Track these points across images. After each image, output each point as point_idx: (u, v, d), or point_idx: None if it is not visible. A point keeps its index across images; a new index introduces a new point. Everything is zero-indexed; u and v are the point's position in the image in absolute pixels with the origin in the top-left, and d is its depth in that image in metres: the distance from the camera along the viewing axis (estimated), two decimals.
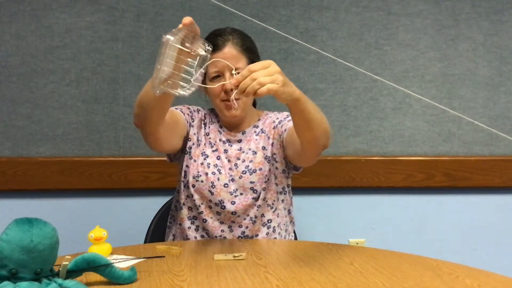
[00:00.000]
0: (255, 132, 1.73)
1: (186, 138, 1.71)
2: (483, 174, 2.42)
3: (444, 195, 2.45)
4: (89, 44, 2.21)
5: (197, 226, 1.69)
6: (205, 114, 1.78)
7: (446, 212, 2.46)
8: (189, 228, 1.69)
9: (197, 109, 1.78)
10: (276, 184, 1.71)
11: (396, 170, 2.38)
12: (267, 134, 1.72)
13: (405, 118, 2.40)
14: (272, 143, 1.70)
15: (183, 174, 1.71)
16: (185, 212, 1.70)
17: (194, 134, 1.72)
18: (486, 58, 2.41)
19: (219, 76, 1.61)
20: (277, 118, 1.73)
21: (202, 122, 1.75)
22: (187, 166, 1.70)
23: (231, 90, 1.59)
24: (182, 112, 1.71)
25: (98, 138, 2.24)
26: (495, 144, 2.45)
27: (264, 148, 1.70)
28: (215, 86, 1.59)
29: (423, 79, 2.39)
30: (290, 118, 1.67)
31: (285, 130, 1.65)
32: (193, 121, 1.73)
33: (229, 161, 1.69)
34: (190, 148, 1.71)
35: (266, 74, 1.24)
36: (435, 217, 2.46)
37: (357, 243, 2.40)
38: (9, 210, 2.18)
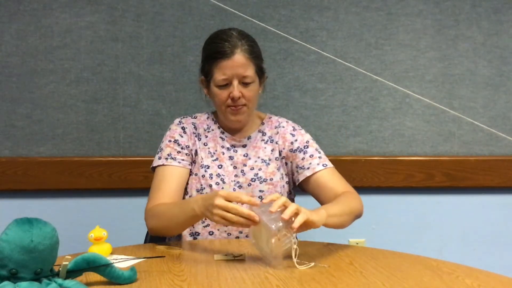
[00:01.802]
0: (263, 139, 1.71)
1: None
2: (483, 174, 2.42)
3: (444, 195, 2.45)
4: (89, 44, 2.21)
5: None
6: (195, 123, 1.71)
7: (446, 212, 2.46)
8: None
9: (182, 128, 1.69)
10: None
11: (396, 170, 2.38)
12: (280, 149, 1.70)
13: (405, 118, 2.40)
14: (286, 163, 1.70)
15: (184, 190, 1.68)
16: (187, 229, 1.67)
17: (194, 151, 1.68)
18: (486, 58, 2.41)
19: (227, 84, 1.60)
20: (296, 140, 1.70)
21: (194, 134, 1.69)
22: (186, 183, 1.67)
23: (238, 98, 1.59)
24: (177, 161, 1.64)
25: (98, 138, 2.25)
26: (495, 144, 2.45)
27: (277, 159, 1.69)
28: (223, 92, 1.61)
29: (423, 79, 2.39)
30: (311, 150, 1.69)
31: (309, 175, 1.65)
32: (188, 148, 1.67)
33: (234, 167, 1.67)
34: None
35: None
36: (435, 217, 2.46)
37: (357, 243, 2.40)
38: (9, 210, 2.18)
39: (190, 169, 1.67)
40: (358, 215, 1.60)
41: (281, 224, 1.28)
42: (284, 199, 1.31)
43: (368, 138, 2.39)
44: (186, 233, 1.66)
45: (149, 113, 2.26)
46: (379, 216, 2.42)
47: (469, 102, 2.42)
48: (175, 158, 1.64)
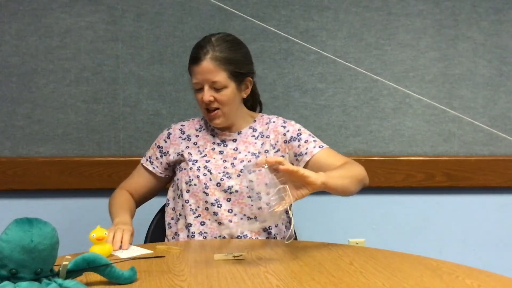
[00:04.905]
0: (253, 135, 1.73)
1: (173, 170, 1.78)
2: (483, 174, 2.42)
3: (444, 195, 2.45)
4: (89, 44, 2.21)
5: (193, 233, 1.67)
6: (183, 127, 1.79)
7: (446, 212, 2.46)
8: (188, 236, 1.69)
9: (168, 134, 1.78)
10: None
11: (396, 170, 2.38)
12: (272, 143, 1.72)
13: (405, 118, 2.40)
14: (282, 156, 1.71)
15: (176, 186, 1.75)
16: (182, 222, 1.71)
17: (175, 156, 1.74)
18: (486, 58, 2.41)
19: (201, 88, 1.65)
20: (288, 131, 1.72)
21: (181, 138, 1.76)
22: (177, 178, 1.74)
23: (209, 101, 1.64)
24: (153, 166, 1.79)
25: (98, 138, 2.25)
26: (495, 144, 2.45)
27: (267, 151, 1.70)
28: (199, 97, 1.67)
29: (423, 79, 2.39)
30: (305, 136, 1.70)
31: (308, 159, 1.67)
32: (166, 155, 1.76)
33: (224, 161, 1.70)
34: (179, 164, 1.75)
35: None
36: (435, 217, 2.46)
37: (357, 243, 2.40)
38: (9, 210, 2.18)
39: (162, 176, 1.79)
40: (362, 180, 1.62)
41: (276, 180, 1.33)
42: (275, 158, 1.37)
43: (368, 138, 2.39)
44: (182, 226, 1.70)
45: (149, 113, 2.26)
46: (379, 216, 2.42)
47: (469, 102, 2.42)
48: (152, 162, 1.79)
